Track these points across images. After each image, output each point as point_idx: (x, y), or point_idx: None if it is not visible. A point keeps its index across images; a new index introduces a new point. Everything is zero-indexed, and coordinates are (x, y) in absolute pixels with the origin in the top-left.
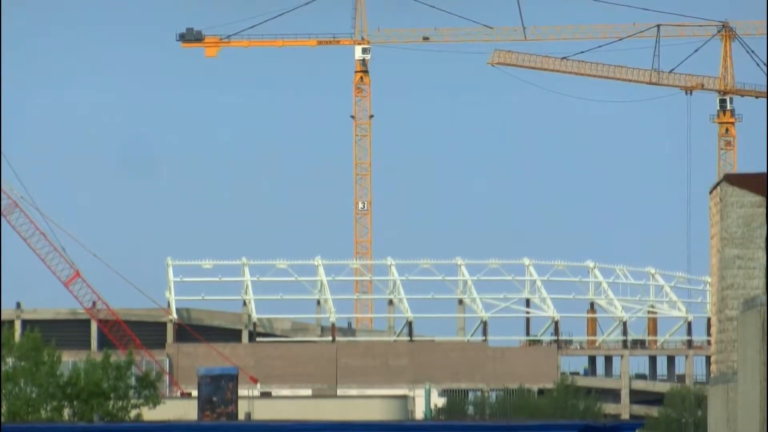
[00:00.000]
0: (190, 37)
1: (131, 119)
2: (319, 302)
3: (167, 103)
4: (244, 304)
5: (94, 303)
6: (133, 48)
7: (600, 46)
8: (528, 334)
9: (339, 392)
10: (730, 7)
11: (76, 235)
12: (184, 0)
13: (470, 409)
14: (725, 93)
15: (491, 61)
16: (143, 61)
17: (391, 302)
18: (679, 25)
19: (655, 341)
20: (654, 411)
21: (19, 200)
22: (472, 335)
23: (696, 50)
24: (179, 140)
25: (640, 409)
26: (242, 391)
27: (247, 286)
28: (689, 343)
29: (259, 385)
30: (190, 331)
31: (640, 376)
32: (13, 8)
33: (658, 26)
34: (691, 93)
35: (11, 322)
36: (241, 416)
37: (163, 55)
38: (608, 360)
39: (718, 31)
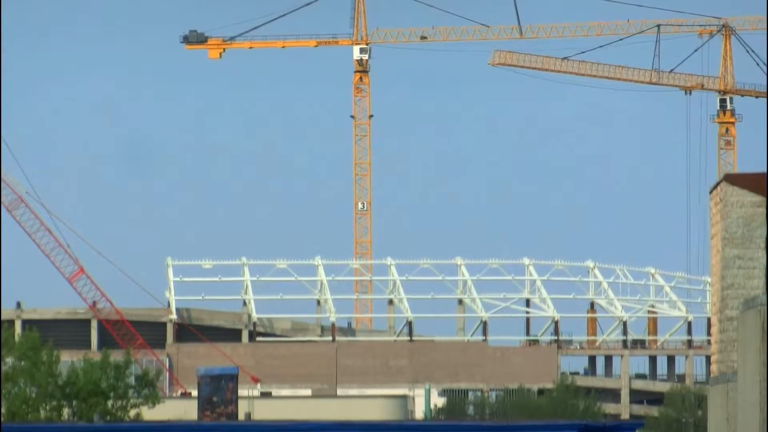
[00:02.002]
0: (194, 39)
1: (134, 120)
2: (319, 302)
3: (171, 104)
4: (244, 304)
5: (95, 302)
6: (137, 50)
7: (601, 46)
8: (528, 334)
9: (339, 392)
10: (730, 6)
11: (81, 232)
12: (188, 2)
13: (470, 409)
14: (725, 93)
15: (492, 61)
16: (148, 63)
17: (391, 302)
18: (679, 24)
19: (655, 341)
20: (654, 411)
21: (25, 195)
22: (472, 335)
23: (696, 50)
24: (183, 141)
25: (640, 409)
26: (242, 391)
27: (247, 286)
28: (689, 343)
29: (259, 385)
30: (192, 330)
31: (640, 376)
32: (17, 9)
33: (659, 26)
34: (690, 93)
35: (11, 322)
36: (241, 416)
37: (167, 57)
38: (608, 360)
39: (718, 30)
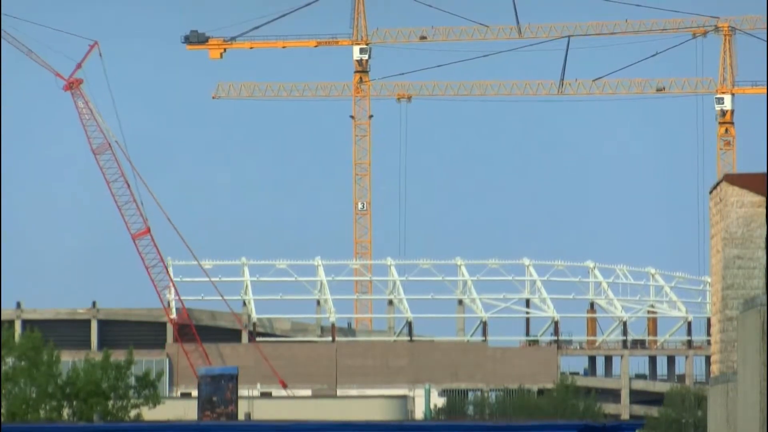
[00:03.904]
0: (195, 39)
1: (134, 120)
2: (319, 302)
3: (171, 103)
4: (244, 304)
5: (94, 303)
6: (138, 50)
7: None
8: (528, 334)
9: (339, 392)
10: (728, 6)
11: (157, 195)
12: (189, 2)
13: (470, 409)
14: (724, 92)
15: (216, 94)
16: (149, 63)
17: (390, 302)
18: (678, 28)
19: (655, 341)
20: (654, 411)
21: (113, 144)
22: (472, 335)
23: (657, 53)
24: (183, 140)
25: (640, 409)
26: (242, 391)
27: (247, 286)
28: (689, 343)
29: (259, 385)
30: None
31: (640, 376)
32: (18, 8)
33: (569, 37)
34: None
35: (11, 322)
36: (241, 416)
37: (168, 57)
38: (608, 360)
39: (716, 30)
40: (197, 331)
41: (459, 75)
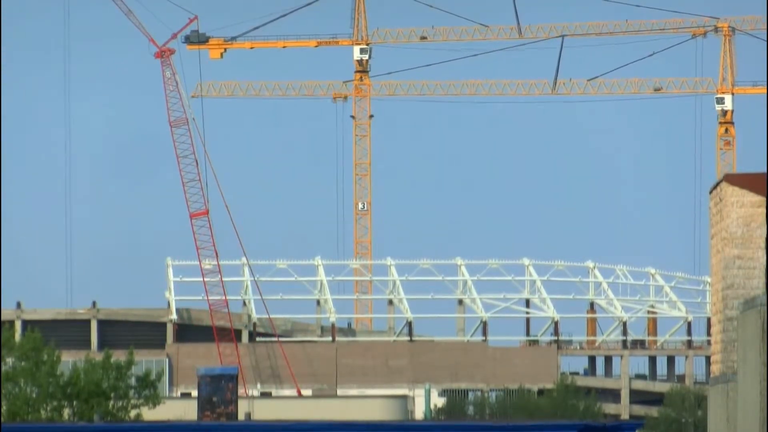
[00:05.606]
0: (195, 39)
1: (134, 120)
2: (319, 302)
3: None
4: (244, 304)
5: (94, 303)
6: (138, 49)
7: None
8: (528, 334)
9: (339, 392)
10: (728, 6)
11: (222, 183)
12: (189, 3)
13: (470, 409)
14: (724, 92)
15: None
16: (150, 64)
17: (391, 302)
18: (678, 28)
19: (655, 341)
20: (654, 411)
21: (191, 120)
22: (472, 335)
23: (655, 53)
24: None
25: (640, 409)
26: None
27: (247, 286)
28: (689, 343)
29: (259, 385)
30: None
31: (640, 376)
32: (21, 11)
33: (563, 36)
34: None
35: (11, 322)
36: (241, 416)
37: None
38: (608, 360)
39: (716, 30)
40: (196, 330)
41: (454, 74)
